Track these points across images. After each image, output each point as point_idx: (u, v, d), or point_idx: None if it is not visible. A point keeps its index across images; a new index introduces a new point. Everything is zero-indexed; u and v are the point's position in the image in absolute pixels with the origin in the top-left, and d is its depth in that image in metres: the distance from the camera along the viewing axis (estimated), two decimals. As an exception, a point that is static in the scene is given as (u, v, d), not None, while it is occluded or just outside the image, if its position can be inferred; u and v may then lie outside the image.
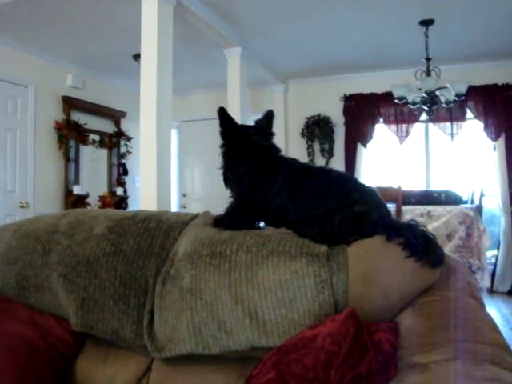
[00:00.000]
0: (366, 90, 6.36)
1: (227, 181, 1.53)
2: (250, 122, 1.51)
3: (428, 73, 4.76)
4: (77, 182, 5.83)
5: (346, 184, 1.36)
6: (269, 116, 1.55)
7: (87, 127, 5.99)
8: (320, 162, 6.61)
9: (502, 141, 5.75)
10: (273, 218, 1.39)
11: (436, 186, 6.08)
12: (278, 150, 1.53)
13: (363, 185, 1.40)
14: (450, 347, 1.00)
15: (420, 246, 1.20)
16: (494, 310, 4.83)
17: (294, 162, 1.48)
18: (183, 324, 1.30)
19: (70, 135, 5.67)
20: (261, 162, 1.44)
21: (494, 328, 1.12)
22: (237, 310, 1.24)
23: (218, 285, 1.28)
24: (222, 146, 1.53)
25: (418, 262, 1.19)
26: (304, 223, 1.32)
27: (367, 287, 1.20)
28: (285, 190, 1.36)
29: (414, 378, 0.93)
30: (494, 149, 5.81)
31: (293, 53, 5.65)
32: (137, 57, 5.09)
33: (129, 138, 6.72)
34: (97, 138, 6.30)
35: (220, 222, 1.49)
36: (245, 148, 1.47)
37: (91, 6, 4.15)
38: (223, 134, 1.52)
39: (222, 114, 1.51)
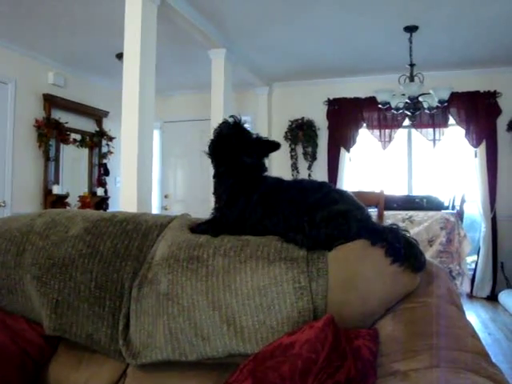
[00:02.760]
0: (350, 95, 6.39)
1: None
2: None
3: (411, 78, 4.80)
4: (56, 181, 5.74)
5: (322, 187, 1.36)
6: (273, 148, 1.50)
7: (68, 126, 5.90)
8: (303, 165, 6.62)
9: (483, 147, 5.83)
10: (250, 233, 1.36)
11: (418, 192, 6.12)
12: (262, 169, 1.48)
13: (339, 188, 1.40)
14: (429, 355, 1.00)
15: (403, 249, 1.19)
16: (473, 315, 4.88)
17: (273, 179, 1.45)
18: (159, 330, 1.27)
19: (50, 134, 5.57)
20: (240, 182, 1.41)
21: (474, 335, 1.12)
22: (214, 316, 1.21)
23: (195, 290, 1.25)
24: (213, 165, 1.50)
25: (401, 267, 1.18)
26: (289, 230, 1.30)
27: (347, 293, 1.18)
28: (259, 207, 1.35)
29: (393, 386, 0.91)
30: (475, 155, 5.88)
31: (277, 56, 5.65)
32: (120, 56, 5.04)
33: (111, 138, 6.64)
34: (78, 137, 6.22)
35: (193, 231, 1.46)
36: (229, 167, 1.44)
37: (74, 1, 4.09)
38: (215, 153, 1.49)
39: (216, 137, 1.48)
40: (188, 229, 1.48)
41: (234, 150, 1.43)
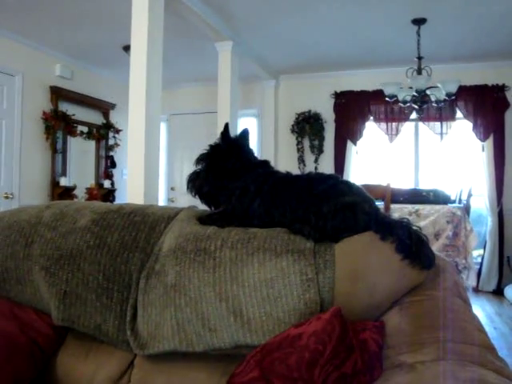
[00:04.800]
0: (357, 88, 6.35)
1: (207, 196, 1.53)
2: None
3: (419, 71, 4.76)
4: (64, 173, 5.76)
5: (329, 178, 1.36)
6: (246, 135, 1.55)
7: (75, 118, 5.91)
8: (309, 158, 6.61)
9: (490, 141, 5.79)
10: (257, 226, 1.37)
11: (424, 185, 6.09)
12: (270, 165, 1.54)
13: (347, 180, 1.40)
14: (436, 347, 1.00)
15: (413, 246, 1.18)
16: (478, 308, 4.87)
17: (282, 173, 1.47)
18: (167, 321, 1.28)
19: (57, 126, 5.59)
20: (251, 176, 1.43)
21: (480, 328, 1.12)
22: (221, 307, 1.22)
23: (203, 282, 1.26)
24: (210, 161, 1.51)
25: (411, 264, 1.18)
26: (296, 221, 1.30)
27: (354, 285, 1.18)
28: (267, 198, 1.36)
29: (400, 378, 0.92)
30: (483, 149, 5.84)
31: (284, 48, 5.62)
32: (127, 48, 5.03)
33: (117, 131, 6.65)
34: (85, 129, 6.23)
35: (202, 222, 1.48)
36: (240, 164, 1.47)
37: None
38: (215, 151, 1.51)
39: (225, 131, 1.52)
40: (197, 219, 1.48)
41: (246, 148, 1.51)
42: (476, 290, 5.69)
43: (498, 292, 5.64)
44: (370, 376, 0.95)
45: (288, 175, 1.44)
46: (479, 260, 5.92)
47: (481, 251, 5.96)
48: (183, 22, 4.47)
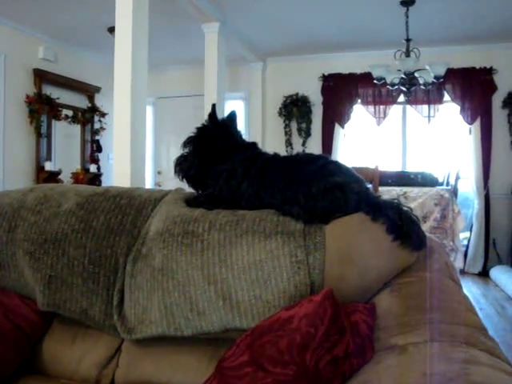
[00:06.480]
0: (345, 70, 6.32)
1: (194, 179, 1.50)
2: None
3: (407, 54, 4.73)
4: (49, 158, 5.68)
5: (318, 159, 1.33)
6: (233, 117, 1.51)
7: (60, 102, 5.82)
8: (297, 141, 6.58)
9: (477, 124, 5.81)
10: (245, 208, 1.35)
11: (412, 168, 6.11)
12: (258, 147, 1.51)
13: (336, 160, 1.37)
14: (427, 329, 0.99)
15: (404, 227, 1.17)
16: (464, 290, 4.91)
17: (269, 154, 1.45)
18: (154, 305, 1.26)
19: (41, 110, 5.49)
20: (239, 159, 1.40)
21: (471, 309, 1.12)
22: (209, 290, 1.20)
23: (191, 265, 1.23)
24: (197, 144, 1.48)
25: (401, 245, 1.17)
26: (285, 203, 1.28)
27: (344, 267, 1.17)
28: (255, 179, 1.34)
29: (391, 359, 0.91)
30: (470, 132, 5.86)
31: (272, 30, 5.56)
32: (112, 30, 4.93)
33: (103, 114, 6.56)
34: (70, 113, 6.13)
35: (190, 204, 1.45)
36: (227, 146, 1.44)
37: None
38: (202, 134, 1.47)
39: (212, 112, 1.49)
40: (184, 202, 1.46)
41: (233, 130, 1.48)
42: (462, 271, 5.75)
43: (484, 274, 5.71)
44: (361, 358, 0.94)
45: (276, 156, 1.42)
46: (465, 242, 5.97)
47: (467, 234, 6.01)
48: (169, 2, 4.39)
